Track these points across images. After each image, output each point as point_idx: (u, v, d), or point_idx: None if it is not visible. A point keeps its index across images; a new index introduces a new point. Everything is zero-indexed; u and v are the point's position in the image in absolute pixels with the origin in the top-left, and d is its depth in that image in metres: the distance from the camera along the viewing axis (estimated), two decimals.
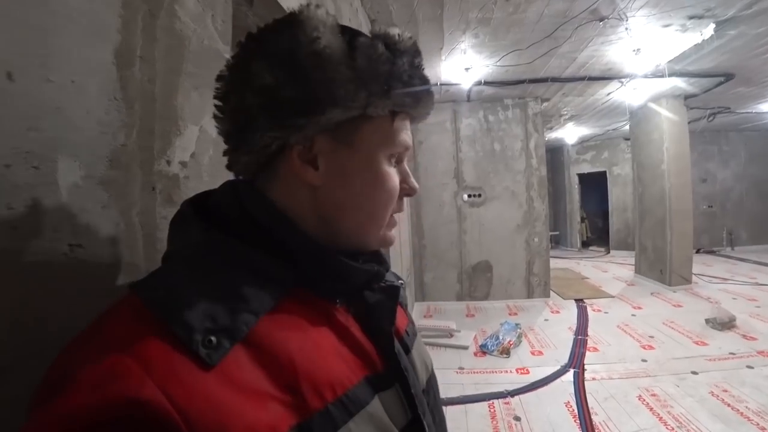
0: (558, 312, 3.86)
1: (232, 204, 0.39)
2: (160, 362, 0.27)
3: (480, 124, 4.32)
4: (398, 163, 0.43)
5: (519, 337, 3.08)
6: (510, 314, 3.85)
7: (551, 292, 4.35)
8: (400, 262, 3.37)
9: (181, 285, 0.31)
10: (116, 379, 0.25)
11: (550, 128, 6.02)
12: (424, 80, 0.41)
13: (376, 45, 0.37)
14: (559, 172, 8.40)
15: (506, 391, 2.40)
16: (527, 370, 2.68)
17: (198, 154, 0.58)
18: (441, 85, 3.71)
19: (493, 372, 2.68)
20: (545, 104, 4.28)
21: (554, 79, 3.58)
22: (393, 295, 0.44)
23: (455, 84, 3.67)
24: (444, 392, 2.42)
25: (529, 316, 3.78)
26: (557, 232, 8.41)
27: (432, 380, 0.50)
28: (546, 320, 3.64)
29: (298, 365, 0.32)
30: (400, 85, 0.38)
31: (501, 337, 3.02)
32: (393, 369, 0.41)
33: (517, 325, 3.22)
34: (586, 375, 2.58)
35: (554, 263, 6.35)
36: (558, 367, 2.70)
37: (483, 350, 2.98)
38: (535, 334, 3.28)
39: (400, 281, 0.56)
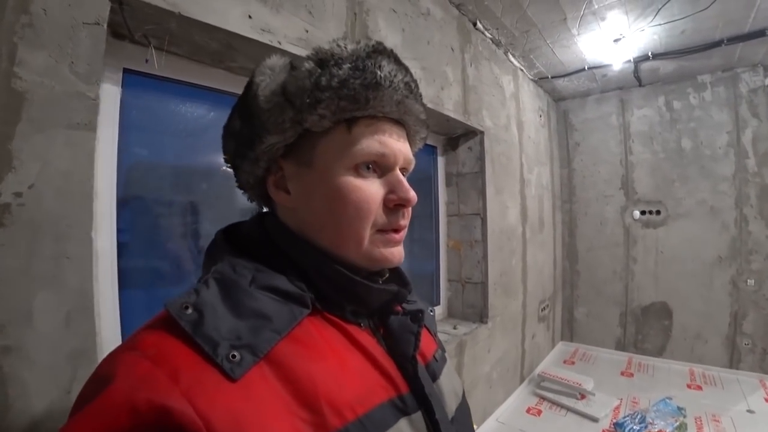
0: None
1: (257, 232, 0.49)
2: (187, 373, 0.32)
3: (660, 115, 3.45)
4: (384, 172, 0.47)
5: (680, 428, 2.30)
6: (691, 387, 2.92)
7: None
8: (540, 287, 3.04)
9: (208, 303, 0.37)
10: (146, 388, 0.30)
11: None
12: (370, 79, 0.43)
13: (301, 66, 0.45)
14: None
15: None
16: None
17: (39, 185, 0.77)
18: (588, 69, 3.18)
19: None
20: None
21: None
22: (417, 318, 0.50)
23: (605, 65, 3.08)
24: None
25: (722, 396, 2.76)
26: None
27: (463, 408, 0.55)
28: (751, 412, 2.56)
29: (319, 384, 0.37)
30: (329, 93, 0.43)
31: (648, 421, 2.34)
32: (418, 394, 0.46)
33: (680, 409, 2.42)
34: None
35: None
36: None
37: (617, 431, 2.38)
38: (719, 431, 2.37)
39: (430, 310, 0.65)
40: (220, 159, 0.55)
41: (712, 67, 3.13)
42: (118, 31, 1.03)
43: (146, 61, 1.12)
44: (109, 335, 1.05)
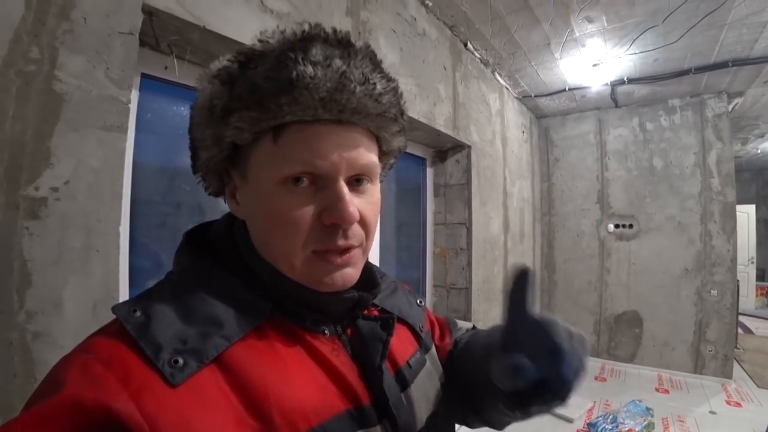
0: (739, 404, 2.85)
1: (223, 234, 0.46)
2: (137, 376, 0.31)
3: (634, 135, 3.65)
4: (324, 184, 0.40)
5: (648, 427, 2.42)
6: (659, 390, 3.06)
7: (739, 372, 3.25)
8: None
9: (158, 307, 0.36)
10: (94, 389, 0.29)
11: (761, 136, 4.53)
12: (283, 78, 0.36)
13: (221, 74, 0.39)
14: None
15: None
16: None
17: (73, 181, 0.81)
18: (569, 89, 3.35)
19: None
20: (736, 101, 3.29)
21: (738, 62, 2.73)
22: (387, 326, 0.46)
23: (584, 87, 3.25)
24: None
25: (687, 399, 2.92)
26: None
27: (437, 417, 0.50)
28: (713, 413, 2.73)
29: (271, 392, 0.35)
30: (240, 103, 0.37)
31: (619, 421, 2.46)
32: (381, 405, 0.42)
33: (648, 410, 2.55)
34: None
35: None
36: None
37: (591, 430, 2.49)
38: (683, 430, 2.51)
39: (419, 301, 0.62)
40: None
41: (682, 93, 3.35)
42: (142, 39, 1.08)
43: (165, 68, 1.17)
44: None
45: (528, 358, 0.39)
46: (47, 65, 0.78)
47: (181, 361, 0.32)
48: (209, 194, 0.49)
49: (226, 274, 0.41)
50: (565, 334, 0.40)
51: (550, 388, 0.40)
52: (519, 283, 0.42)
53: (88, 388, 0.29)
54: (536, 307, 0.42)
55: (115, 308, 0.35)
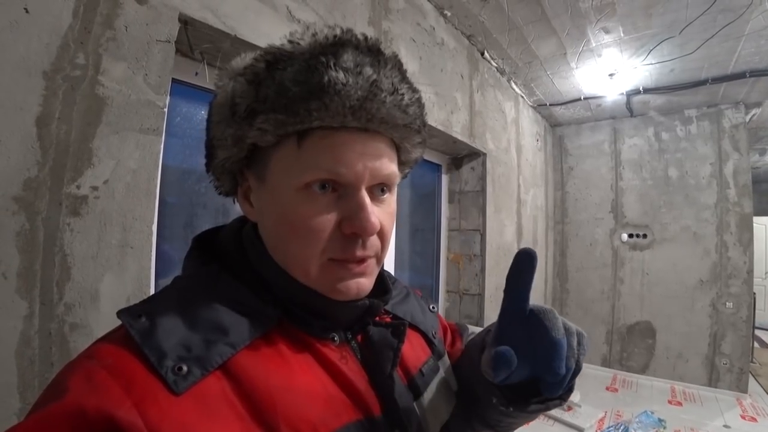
0: (754, 420, 2.76)
1: (231, 238, 0.45)
2: (140, 383, 0.30)
3: (649, 145, 3.61)
4: (345, 192, 0.39)
5: None
6: (671, 403, 3.00)
7: (754, 386, 3.16)
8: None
9: (163, 313, 0.35)
10: (97, 396, 0.29)
11: None
12: (314, 83, 0.35)
13: (247, 73, 0.37)
14: None
15: None
16: None
17: (112, 181, 0.85)
18: (584, 99, 3.33)
19: None
20: (754, 112, 3.23)
21: (756, 73, 2.69)
22: (398, 333, 0.45)
23: (600, 96, 3.23)
24: None
25: (700, 412, 2.85)
26: None
27: (449, 429, 0.49)
28: (727, 427, 2.65)
29: (278, 401, 0.34)
30: (267, 104, 0.36)
31: (630, 431, 2.42)
32: (392, 414, 0.41)
33: (660, 421, 2.50)
34: None
35: None
36: None
37: None
38: None
39: (431, 307, 0.61)
40: None
41: (698, 103, 3.30)
42: (177, 47, 1.12)
43: (196, 74, 1.20)
44: None
45: (519, 349, 0.38)
46: (92, 71, 0.82)
47: (185, 368, 0.32)
48: (219, 194, 0.47)
49: (234, 280, 0.40)
50: (561, 327, 0.38)
51: (544, 384, 0.38)
52: (520, 267, 0.39)
53: (91, 395, 0.29)
54: (530, 297, 0.40)
55: (120, 313, 0.35)
